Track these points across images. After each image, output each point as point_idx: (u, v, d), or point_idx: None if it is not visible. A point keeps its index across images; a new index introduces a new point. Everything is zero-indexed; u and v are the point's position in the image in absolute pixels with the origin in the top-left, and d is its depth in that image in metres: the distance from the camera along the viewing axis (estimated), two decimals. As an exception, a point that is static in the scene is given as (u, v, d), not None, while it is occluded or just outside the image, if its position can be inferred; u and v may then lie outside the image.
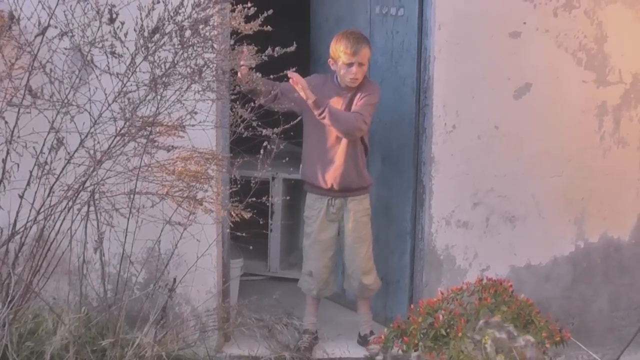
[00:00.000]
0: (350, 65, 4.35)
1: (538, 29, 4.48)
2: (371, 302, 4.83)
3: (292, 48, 3.42)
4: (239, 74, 3.90)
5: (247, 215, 4.10)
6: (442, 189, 4.55)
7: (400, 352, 3.66)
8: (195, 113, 3.68)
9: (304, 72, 4.56)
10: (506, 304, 3.80)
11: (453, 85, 4.49)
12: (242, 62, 3.73)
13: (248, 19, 3.55)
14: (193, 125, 3.74)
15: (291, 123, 3.91)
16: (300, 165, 4.68)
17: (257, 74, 3.52)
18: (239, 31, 3.55)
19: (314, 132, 4.51)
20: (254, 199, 4.04)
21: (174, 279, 4.31)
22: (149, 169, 3.78)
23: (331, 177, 4.49)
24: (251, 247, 4.62)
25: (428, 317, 3.69)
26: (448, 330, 3.61)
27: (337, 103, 4.45)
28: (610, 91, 4.60)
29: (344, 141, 4.45)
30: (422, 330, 3.66)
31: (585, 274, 4.74)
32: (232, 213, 4.09)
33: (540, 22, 4.47)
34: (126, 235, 3.86)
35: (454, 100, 4.49)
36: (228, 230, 4.44)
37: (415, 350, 3.61)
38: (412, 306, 4.02)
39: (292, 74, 4.18)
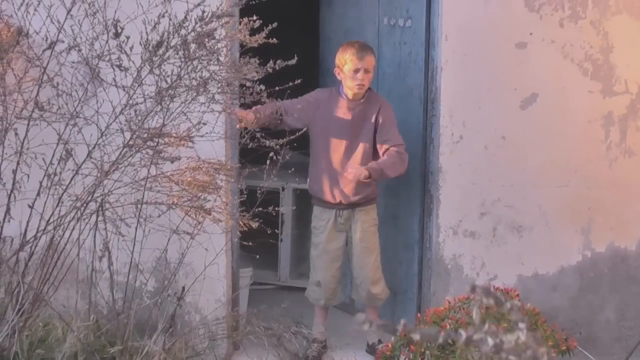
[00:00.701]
0: (356, 71, 4.41)
1: (544, 40, 4.50)
2: (379, 312, 4.88)
3: (293, 61, 3.49)
4: (238, 125, 4.08)
5: (254, 225, 4.17)
6: (449, 198, 4.59)
7: (407, 360, 3.71)
8: (204, 124, 3.76)
9: (313, 84, 4.64)
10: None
11: (460, 96, 4.53)
12: (238, 125, 3.91)
13: (254, 31, 3.62)
14: (202, 136, 3.82)
15: (297, 134, 3.97)
16: (308, 180, 4.73)
17: (261, 86, 3.58)
18: (244, 43, 3.63)
19: (323, 148, 4.56)
20: (260, 208, 4.12)
21: (183, 288, 4.38)
22: (157, 179, 3.86)
23: (342, 192, 4.54)
24: (258, 257, 4.67)
25: (435, 326, 3.73)
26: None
27: (344, 115, 4.51)
28: (616, 101, 4.61)
29: (359, 156, 4.51)
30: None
31: (592, 283, 4.74)
32: (241, 223, 4.16)
33: (547, 32, 4.50)
34: (134, 244, 3.93)
35: (460, 111, 4.52)
36: (237, 239, 4.51)
37: (422, 359, 3.68)
38: (419, 315, 4.07)
39: (349, 174, 4.37)
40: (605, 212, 4.69)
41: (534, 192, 4.61)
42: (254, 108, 4.27)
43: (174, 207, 3.95)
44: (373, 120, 4.51)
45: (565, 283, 4.71)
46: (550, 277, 4.69)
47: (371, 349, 4.70)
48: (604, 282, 4.76)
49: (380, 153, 4.50)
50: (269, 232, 4.26)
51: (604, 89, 4.59)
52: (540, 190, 4.61)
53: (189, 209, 3.95)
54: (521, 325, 1.49)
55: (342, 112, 4.52)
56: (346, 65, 4.43)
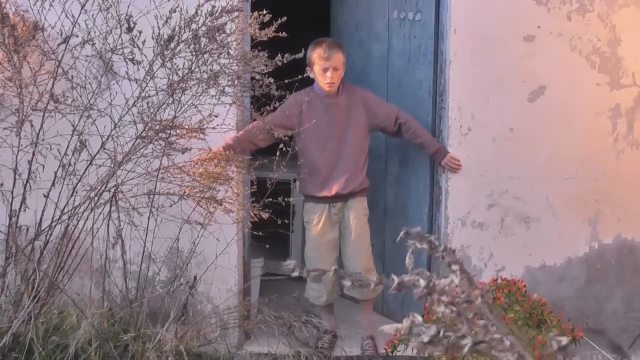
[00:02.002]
0: (325, 70, 4.51)
1: (552, 33, 4.57)
2: (390, 302, 4.96)
3: (300, 55, 3.59)
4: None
5: (265, 215, 4.27)
6: (458, 190, 4.66)
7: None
8: (216, 116, 3.86)
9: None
10: (519, 304, 3.87)
11: (469, 89, 4.60)
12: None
13: (264, 25, 3.72)
14: (214, 128, 3.93)
15: (306, 126, 4.06)
16: (298, 183, 4.82)
17: (270, 79, 3.68)
18: (255, 37, 3.73)
19: (315, 146, 4.63)
20: (271, 199, 4.22)
21: (195, 277, 4.48)
22: (169, 170, 3.97)
23: (338, 183, 4.62)
24: (268, 246, 4.74)
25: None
26: None
27: (328, 109, 4.60)
28: (624, 94, 4.67)
29: (351, 147, 4.61)
30: (437, 328, 3.78)
31: (599, 275, 4.81)
32: (252, 213, 4.26)
33: (555, 26, 4.57)
34: (147, 234, 4.04)
35: (469, 103, 4.60)
36: (248, 230, 4.60)
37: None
38: (427, 305, 4.15)
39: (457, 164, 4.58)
40: (612, 204, 4.75)
41: (542, 184, 4.68)
42: (234, 137, 4.38)
43: (186, 198, 4.06)
44: (361, 107, 4.63)
45: (573, 274, 4.78)
46: (558, 268, 4.76)
47: (362, 345, 4.79)
48: (611, 274, 4.82)
49: (395, 124, 4.64)
50: (279, 223, 4.37)
51: (612, 82, 4.65)
52: (548, 182, 4.68)
53: (201, 199, 4.05)
54: (454, 267, 1.58)
55: (326, 107, 4.61)
56: (315, 65, 4.53)
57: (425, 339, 1.53)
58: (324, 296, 4.76)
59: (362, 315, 4.87)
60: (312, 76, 4.57)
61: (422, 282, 1.57)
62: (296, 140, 4.50)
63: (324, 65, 4.49)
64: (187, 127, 3.84)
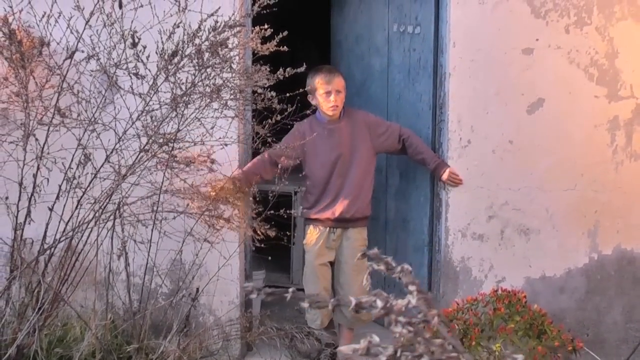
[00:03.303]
0: (328, 94, 4.61)
1: (550, 46, 4.67)
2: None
3: (301, 69, 3.69)
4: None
5: (272, 233, 4.35)
6: (458, 202, 4.75)
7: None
8: (219, 129, 3.96)
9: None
10: (519, 314, 3.98)
11: (468, 101, 4.69)
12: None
13: (265, 40, 3.83)
14: (218, 139, 4.02)
15: (307, 139, 4.16)
16: (301, 207, 4.86)
17: (272, 92, 3.78)
18: (256, 51, 3.84)
19: (322, 173, 4.71)
20: (272, 211, 4.30)
21: (197, 289, 4.57)
22: (173, 183, 4.07)
23: (342, 205, 4.68)
24: (270, 258, 4.79)
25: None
26: (463, 339, 3.81)
27: (332, 136, 4.67)
28: (621, 106, 4.77)
29: (356, 170, 4.67)
30: (437, 339, 3.86)
31: (599, 285, 4.89)
32: (259, 231, 4.34)
33: (553, 38, 4.67)
34: (150, 246, 4.13)
35: (468, 116, 4.69)
36: (249, 242, 4.68)
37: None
38: None
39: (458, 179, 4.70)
40: (611, 215, 4.84)
41: (541, 195, 4.77)
42: (240, 171, 4.50)
43: (193, 216, 4.15)
44: (365, 129, 4.70)
45: (573, 285, 4.86)
46: (558, 279, 4.85)
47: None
48: (611, 284, 4.90)
49: (398, 142, 4.71)
50: (281, 235, 4.46)
51: (610, 94, 4.75)
52: (547, 194, 4.77)
53: (208, 218, 4.15)
54: (411, 287, 1.63)
55: (328, 133, 4.69)
56: (317, 90, 4.62)
57: (383, 358, 1.59)
58: (318, 319, 4.78)
59: (343, 341, 4.86)
60: (314, 103, 4.65)
61: (379, 303, 1.64)
62: (303, 167, 4.63)
63: (326, 89, 4.59)
64: (189, 140, 3.94)
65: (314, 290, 4.69)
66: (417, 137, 4.76)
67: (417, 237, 5.07)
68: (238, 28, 3.60)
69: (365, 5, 5.33)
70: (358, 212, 4.71)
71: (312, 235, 4.75)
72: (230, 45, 3.71)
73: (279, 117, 3.98)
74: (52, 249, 3.94)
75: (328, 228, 4.71)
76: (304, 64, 3.79)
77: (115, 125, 3.90)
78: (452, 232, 4.78)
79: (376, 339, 1.60)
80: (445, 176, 4.66)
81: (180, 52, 3.57)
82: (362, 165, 4.71)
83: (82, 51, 3.77)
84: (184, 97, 3.72)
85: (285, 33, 3.81)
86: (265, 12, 3.78)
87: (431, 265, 4.96)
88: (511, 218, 4.78)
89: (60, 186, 3.91)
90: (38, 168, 3.88)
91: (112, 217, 3.93)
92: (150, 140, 3.80)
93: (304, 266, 4.87)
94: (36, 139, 3.89)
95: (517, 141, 4.73)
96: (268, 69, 3.77)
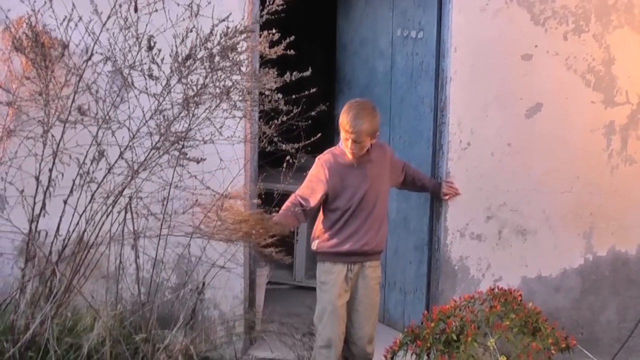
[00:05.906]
0: (347, 140, 4.46)
1: (549, 52, 4.92)
2: (391, 311, 5.27)
3: (307, 73, 3.97)
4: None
5: (280, 257, 4.52)
6: (457, 202, 5.00)
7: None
8: (227, 128, 4.22)
9: (330, 90, 4.91)
10: (515, 312, 4.19)
11: (468, 105, 4.94)
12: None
13: (273, 44, 4.11)
14: (228, 138, 4.27)
15: (311, 139, 4.41)
16: (316, 240, 4.67)
17: (278, 94, 4.02)
18: (265, 55, 4.12)
19: (345, 205, 4.56)
20: (277, 208, 4.51)
21: (203, 283, 4.83)
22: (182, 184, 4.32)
23: (365, 237, 4.56)
24: (273, 254, 4.76)
25: (441, 323, 4.11)
26: (459, 335, 4.02)
27: (357, 168, 4.54)
28: (617, 111, 5.01)
29: (379, 202, 4.59)
30: (435, 335, 4.07)
31: (594, 286, 5.13)
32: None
33: (551, 45, 4.92)
34: (159, 240, 4.39)
35: (468, 119, 4.94)
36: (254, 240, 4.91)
37: (427, 354, 4.05)
38: (425, 312, 4.44)
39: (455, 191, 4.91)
40: (606, 218, 5.09)
41: (538, 197, 5.02)
42: (288, 214, 4.50)
43: (210, 238, 4.36)
44: (387, 163, 4.66)
45: (568, 285, 5.11)
46: (553, 279, 5.10)
47: None
48: (605, 285, 5.15)
49: (402, 171, 4.78)
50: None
51: (606, 100, 5.00)
52: (544, 196, 5.02)
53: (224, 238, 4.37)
54: None
55: (354, 165, 4.55)
56: (341, 131, 4.50)
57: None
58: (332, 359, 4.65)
59: None
60: (341, 136, 4.55)
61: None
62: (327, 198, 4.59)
63: (345, 136, 4.45)
64: (199, 138, 4.18)
65: (332, 334, 4.54)
66: (412, 166, 4.87)
67: (417, 236, 5.31)
68: (248, 33, 3.88)
69: (370, 10, 5.59)
70: (378, 246, 4.64)
71: (332, 273, 4.58)
72: (239, 49, 3.98)
73: (285, 118, 4.20)
74: (66, 240, 4.17)
75: (346, 264, 4.58)
76: (309, 68, 4.05)
77: (129, 123, 4.12)
78: (451, 232, 5.02)
79: None
80: (444, 188, 4.90)
81: (193, 55, 3.85)
82: (385, 198, 4.67)
83: (101, 53, 4.02)
84: (195, 98, 3.98)
85: (292, 38, 4.08)
86: (272, 17, 4.04)
87: (430, 264, 5.19)
88: (509, 219, 5.01)
89: (74, 181, 4.09)
90: (54, 163, 4.11)
91: (123, 211, 4.18)
92: (162, 138, 4.05)
93: (308, 255, 4.82)
94: (52, 136, 4.11)
95: (516, 144, 4.96)
96: (275, 72, 4.04)
